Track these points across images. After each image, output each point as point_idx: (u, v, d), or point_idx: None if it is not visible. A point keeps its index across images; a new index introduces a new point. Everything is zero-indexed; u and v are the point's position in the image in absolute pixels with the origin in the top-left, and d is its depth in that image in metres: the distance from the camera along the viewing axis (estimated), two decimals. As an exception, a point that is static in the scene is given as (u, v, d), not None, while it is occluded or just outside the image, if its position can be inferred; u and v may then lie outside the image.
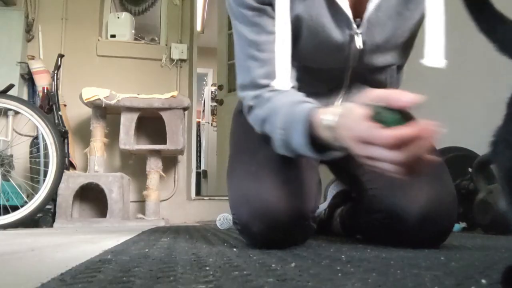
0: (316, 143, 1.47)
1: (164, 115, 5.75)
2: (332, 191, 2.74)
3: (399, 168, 1.20)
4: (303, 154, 1.57)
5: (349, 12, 1.68)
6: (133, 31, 6.79)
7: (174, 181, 6.61)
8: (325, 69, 1.84)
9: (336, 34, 1.72)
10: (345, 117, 1.30)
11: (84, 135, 6.08)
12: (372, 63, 1.82)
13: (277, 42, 1.56)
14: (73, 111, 6.15)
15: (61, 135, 4.80)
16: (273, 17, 1.62)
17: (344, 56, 1.78)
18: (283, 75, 1.53)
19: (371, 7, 1.68)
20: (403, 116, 1.17)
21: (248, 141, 1.90)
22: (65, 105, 6.01)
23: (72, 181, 5.24)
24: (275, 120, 1.63)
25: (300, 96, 1.65)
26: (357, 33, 1.73)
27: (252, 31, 1.70)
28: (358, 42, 1.74)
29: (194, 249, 1.79)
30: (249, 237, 1.84)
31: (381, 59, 1.82)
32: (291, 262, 1.29)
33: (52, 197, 4.44)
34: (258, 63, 1.71)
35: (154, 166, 5.89)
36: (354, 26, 1.71)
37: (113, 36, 6.62)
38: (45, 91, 5.61)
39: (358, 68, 1.82)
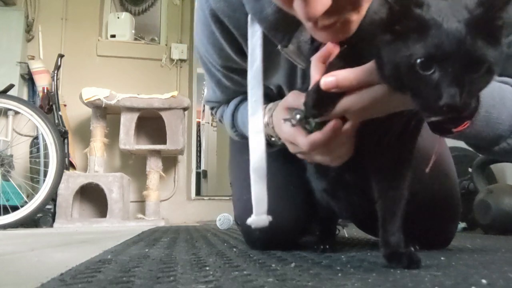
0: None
1: (164, 115, 5.76)
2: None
3: (329, 161, 1.27)
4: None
5: None
6: (133, 31, 6.81)
7: (174, 181, 6.62)
8: None
9: None
10: (275, 117, 1.39)
11: (84, 135, 6.09)
12: None
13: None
14: (73, 111, 6.16)
15: (61, 135, 4.82)
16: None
17: None
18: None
19: None
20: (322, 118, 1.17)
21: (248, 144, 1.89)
22: (65, 105, 6.01)
23: (72, 181, 5.24)
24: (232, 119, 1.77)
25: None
26: None
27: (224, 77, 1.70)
28: None
29: (194, 249, 1.79)
30: (250, 240, 1.85)
31: None
32: (291, 262, 1.30)
33: (52, 197, 4.47)
34: (226, 91, 1.76)
35: (154, 166, 5.90)
36: None
37: (113, 36, 6.65)
38: (45, 91, 5.63)
39: None
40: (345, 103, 1.07)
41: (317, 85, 1.06)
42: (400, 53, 0.91)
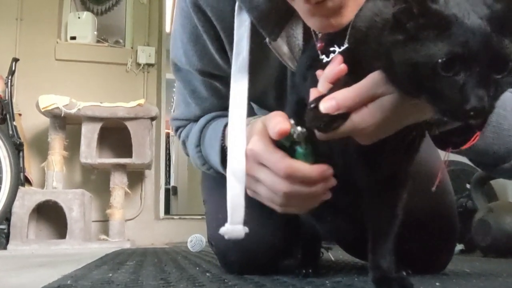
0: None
1: (130, 125, 5.75)
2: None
3: (276, 201, 1.23)
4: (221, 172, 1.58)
5: None
6: (96, 32, 6.77)
7: (141, 198, 6.60)
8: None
9: None
10: (250, 129, 1.31)
11: (41, 148, 6.04)
12: None
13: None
14: (29, 121, 6.11)
15: (16, 148, 4.82)
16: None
17: None
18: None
19: None
20: (313, 147, 1.17)
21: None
22: (20, 115, 5.96)
23: (28, 198, 5.19)
24: (193, 138, 1.71)
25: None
26: None
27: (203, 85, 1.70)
28: None
29: (163, 273, 1.80)
30: (225, 263, 1.83)
31: None
32: (269, 288, 1.27)
33: (5, 216, 4.44)
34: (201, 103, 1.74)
35: (118, 182, 5.87)
36: None
37: (73, 38, 6.61)
38: (-2, 99, 5.57)
39: None
40: (354, 120, 1.04)
41: (316, 105, 1.04)
42: (418, 53, 0.90)
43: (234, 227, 1.23)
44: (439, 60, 0.87)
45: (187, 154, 1.85)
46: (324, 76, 1.12)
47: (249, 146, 1.22)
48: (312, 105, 1.06)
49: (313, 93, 1.10)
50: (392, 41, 0.94)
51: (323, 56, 1.22)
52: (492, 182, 4.02)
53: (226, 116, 1.36)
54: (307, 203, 1.24)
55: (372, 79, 1.01)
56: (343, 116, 1.03)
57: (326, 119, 1.03)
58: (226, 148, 1.43)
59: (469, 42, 0.86)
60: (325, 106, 1.03)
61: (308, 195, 1.19)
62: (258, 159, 1.20)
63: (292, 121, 1.14)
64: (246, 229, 1.23)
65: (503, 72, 0.89)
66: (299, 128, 1.13)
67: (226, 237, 1.24)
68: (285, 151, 1.17)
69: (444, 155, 1.31)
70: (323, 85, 1.11)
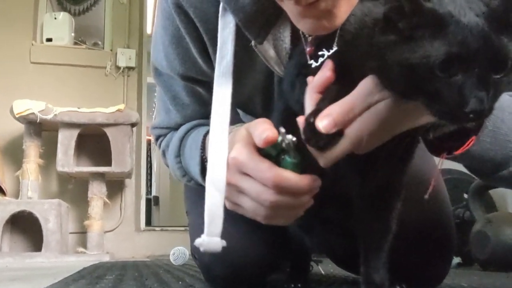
0: None
1: (109, 132, 5.74)
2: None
3: (260, 212, 1.20)
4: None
5: None
6: (73, 34, 6.78)
7: (121, 209, 6.60)
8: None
9: None
10: (232, 136, 1.29)
11: (16, 156, 6.02)
12: None
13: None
14: (2, 128, 6.10)
15: (-12, 156, 4.73)
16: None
17: None
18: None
19: None
20: (302, 157, 1.14)
21: None
22: (-8, 121, 5.92)
23: (2, 209, 5.21)
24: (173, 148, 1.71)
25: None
26: None
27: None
28: None
29: (144, 288, 1.76)
30: (210, 278, 1.84)
31: None
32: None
33: (-23, 227, 4.39)
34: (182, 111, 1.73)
35: (97, 192, 5.85)
36: None
37: (49, 40, 6.60)
38: (-31, 104, 5.53)
39: None
40: (350, 135, 1.03)
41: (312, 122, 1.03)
42: (413, 53, 0.89)
43: (211, 239, 1.21)
44: (436, 61, 0.87)
45: (167, 165, 1.84)
46: (312, 87, 1.11)
47: (232, 154, 1.19)
48: (311, 120, 1.04)
49: (308, 107, 1.10)
50: (385, 41, 0.93)
51: (312, 61, 1.22)
52: (491, 191, 4.07)
53: (209, 124, 1.34)
54: (292, 214, 1.22)
55: (365, 88, 1.00)
56: (340, 132, 1.02)
57: (325, 137, 1.02)
58: (206, 158, 1.45)
59: (467, 41, 0.86)
60: (323, 125, 1.01)
61: (294, 206, 1.18)
62: (242, 168, 1.18)
63: (283, 130, 1.11)
64: (224, 242, 1.20)
65: (502, 72, 0.89)
66: (289, 136, 1.10)
67: (201, 249, 1.21)
68: (270, 160, 1.15)
69: (439, 162, 1.29)
70: (311, 96, 1.11)
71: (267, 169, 1.13)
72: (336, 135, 1.02)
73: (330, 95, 1.05)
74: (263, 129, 1.13)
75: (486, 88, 0.87)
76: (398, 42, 0.91)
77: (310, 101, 1.10)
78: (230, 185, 1.20)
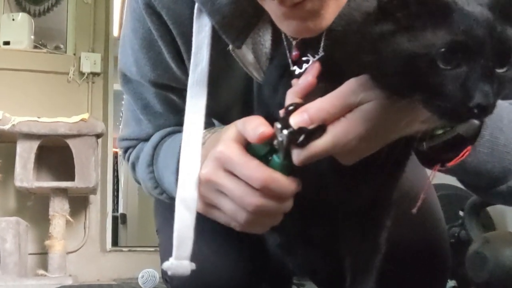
0: None
1: (72, 143, 5.68)
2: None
3: (240, 217, 1.17)
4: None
5: None
6: (33, 36, 6.76)
7: (85, 227, 6.56)
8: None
9: None
10: (219, 134, 1.31)
11: (-31, 170, 5.98)
12: None
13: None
14: (-46, 139, 6.04)
15: None
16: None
17: None
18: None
19: None
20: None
21: None
22: None
23: None
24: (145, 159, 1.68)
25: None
26: None
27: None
28: None
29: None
30: None
31: None
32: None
33: None
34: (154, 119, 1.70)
35: (59, 209, 5.78)
36: None
37: (6, 43, 6.58)
38: None
39: None
40: (334, 133, 1.02)
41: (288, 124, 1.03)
42: (413, 43, 0.89)
43: (180, 262, 1.21)
44: (440, 50, 0.87)
45: (137, 180, 1.81)
46: (293, 91, 1.13)
47: (219, 148, 1.18)
48: (283, 115, 1.06)
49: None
50: (380, 32, 0.93)
51: (295, 67, 1.22)
52: (489, 208, 4.10)
53: None
54: (270, 222, 1.21)
55: (348, 86, 1.02)
56: (321, 127, 1.02)
57: (304, 132, 1.02)
58: None
59: (473, 29, 0.87)
60: (295, 121, 1.03)
61: (276, 212, 1.17)
62: (228, 164, 1.16)
63: (279, 125, 1.07)
64: (194, 265, 1.21)
65: (506, 65, 0.90)
66: (285, 132, 1.06)
67: (169, 273, 1.21)
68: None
69: (430, 174, 1.29)
70: (292, 100, 1.12)
71: (256, 168, 1.11)
72: (316, 130, 1.01)
73: (313, 97, 1.05)
74: (258, 124, 1.12)
75: (491, 81, 0.87)
76: (395, 32, 0.91)
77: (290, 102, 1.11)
78: (210, 183, 1.18)
